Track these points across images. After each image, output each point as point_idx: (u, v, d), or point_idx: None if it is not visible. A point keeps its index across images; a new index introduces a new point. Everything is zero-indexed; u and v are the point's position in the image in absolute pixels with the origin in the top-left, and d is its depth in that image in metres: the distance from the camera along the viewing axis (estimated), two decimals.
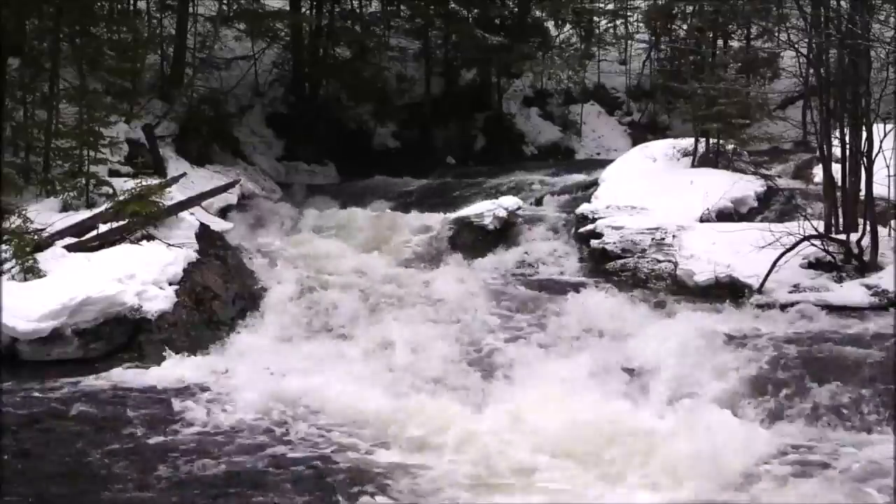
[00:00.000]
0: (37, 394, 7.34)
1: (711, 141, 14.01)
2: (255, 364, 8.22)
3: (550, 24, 23.14)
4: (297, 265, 11.17)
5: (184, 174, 13.12)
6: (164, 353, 8.40)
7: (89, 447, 6.38)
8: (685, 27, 21.45)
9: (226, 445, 6.47)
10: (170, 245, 9.88)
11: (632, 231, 11.56)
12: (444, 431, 6.67)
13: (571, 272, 11.66)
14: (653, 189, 12.87)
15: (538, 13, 22.39)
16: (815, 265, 10.10)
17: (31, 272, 8.79)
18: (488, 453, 6.34)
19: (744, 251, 10.18)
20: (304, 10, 20.45)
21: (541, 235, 12.61)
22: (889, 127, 10.15)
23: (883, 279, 9.55)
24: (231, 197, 13.66)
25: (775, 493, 5.86)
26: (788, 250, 9.94)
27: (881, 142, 10.02)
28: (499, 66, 21.10)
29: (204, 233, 10.74)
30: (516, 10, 21.87)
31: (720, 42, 18.83)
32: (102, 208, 10.40)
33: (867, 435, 6.89)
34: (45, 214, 9.97)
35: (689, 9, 20.26)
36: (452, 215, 13.15)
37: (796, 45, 13.26)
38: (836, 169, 10.71)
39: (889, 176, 10.13)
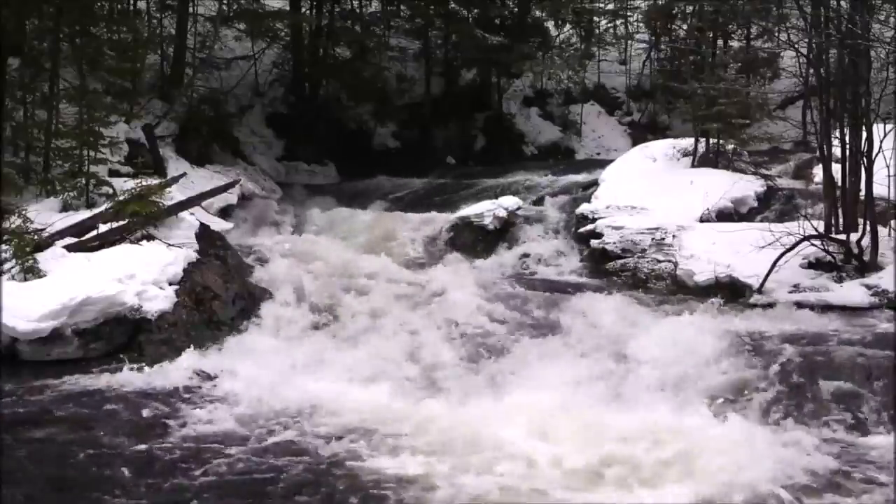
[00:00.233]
0: (37, 394, 7.34)
1: (711, 141, 14.03)
2: (255, 364, 8.19)
3: (550, 24, 23.17)
4: (297, 265, 11.15)
5: (184, 174, 13.11)
6: (164, 354, 8.38)
7: (89, 447, 6.35)
8: (685, 27, 21.45)
9: (225, 448, 6.42)
10: (170, 245, 9.87)
11: (632, 231, 11.57)
12: (445, 433, 6.63)
13: (571, 272, 11.69)
14: (653, 189, 12.89)
15: (538, 13, 22.41)
16: (815, 265, 10.11)
17: (31, 272, 8.78)
18: (493, 459, 6.20)
19: (744, 251, 10.19)
20: (304, 10, 20.45)
21: (541, 235, 12.62)
22: (889, 127, 10.15)
23: (883, 279, 9.56)
24: (231, 197, 13.67)
25: (774, 493, 5.84)
26: (788, 250, 9.94)
27: (881, 142, 10.03)
28: (499, 66, 21.10)
29: (204, 233, 10.72)
30: (516, 10, 21.88)
31: (720, 42, 18.82)
32: (102, 208, 10.39)
33: (867, 435, 6.86)
34: (45, 214, 9.95)
35: (689, 9, 20.27)
36: (452, 215, 13.17)
37: (796, 45, 13.27)
38: (836, 169, 10.72)
39: (889, 176, 10.14)
